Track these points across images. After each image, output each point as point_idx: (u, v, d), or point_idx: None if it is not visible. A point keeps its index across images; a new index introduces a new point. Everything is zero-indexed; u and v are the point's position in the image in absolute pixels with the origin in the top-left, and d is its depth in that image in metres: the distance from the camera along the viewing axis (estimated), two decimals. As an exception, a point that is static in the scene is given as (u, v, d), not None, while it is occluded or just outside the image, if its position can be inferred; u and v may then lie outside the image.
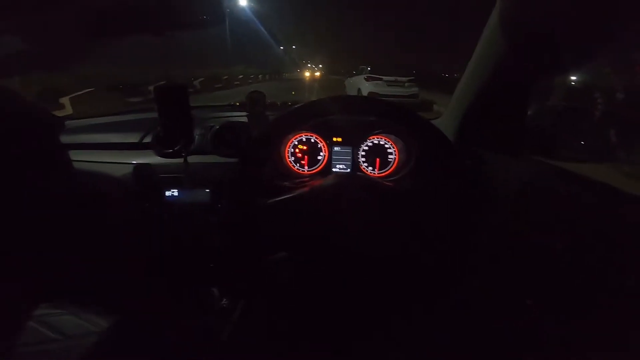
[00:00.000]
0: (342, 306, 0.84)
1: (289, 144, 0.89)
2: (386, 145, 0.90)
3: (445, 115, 0.96)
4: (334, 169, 0.90)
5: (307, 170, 0.90)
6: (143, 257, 0.93)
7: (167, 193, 0.84)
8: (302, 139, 0.89)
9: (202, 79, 11.63)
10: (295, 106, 0.67)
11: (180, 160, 0.84)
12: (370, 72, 7.88)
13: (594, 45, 0.63)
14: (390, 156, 0.90)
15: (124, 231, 0.92)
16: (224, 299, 1.04)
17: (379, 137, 0.89)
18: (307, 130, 0.88)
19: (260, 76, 20.45)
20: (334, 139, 0.89)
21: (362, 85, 7.67)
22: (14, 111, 0.90)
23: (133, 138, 0.95)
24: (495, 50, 0.71)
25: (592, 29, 0.58)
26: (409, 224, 0.67)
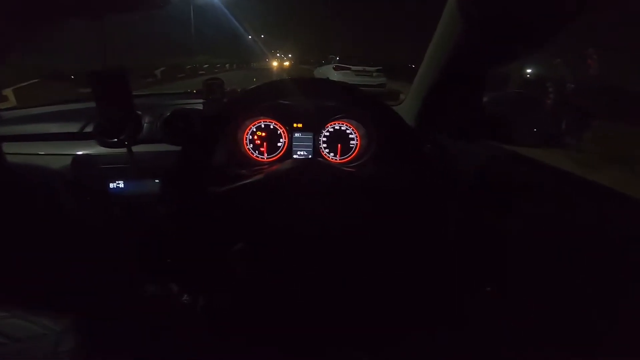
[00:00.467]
0: (306, 297, 0.83)
1: (247, 130, 0.85)
2: (348, 131, 0.88)
3: (406, 102, 0.96)
4: (294, 156, 0.87)
5: (267, 158, 0.86)
6: (89, 254, 0.86)
7: (111, 185, 0.77)
8: (260, 125, 0.85)
9: (164, 68, 11.06)
10: (251, 87, 0.63)
11: (124, 149, 0.77)
12: (339, 61, 7.93)
13: (546, 36, 0.64)
14: (352, 142, 0.89)
15: (64, 227, 0.84)
16: (185, 295, 0.99)
17: (341, 122, 0.87)
18: (266, 116, 0.85)
19: (227, 65, 19.77)
20: (295, 125, 0.85)
21: (331, 74, 7.72)
22: None
23: (73, 128, 0.87)
24: (452, 38, 0.71)
25: (545, 20, 0.59)
26: (370, 209, 0.66)
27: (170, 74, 11.23)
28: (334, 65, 7.91)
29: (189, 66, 13.76)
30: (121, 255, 0.87)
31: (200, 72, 14.09)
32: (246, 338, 0.82)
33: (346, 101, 0.80)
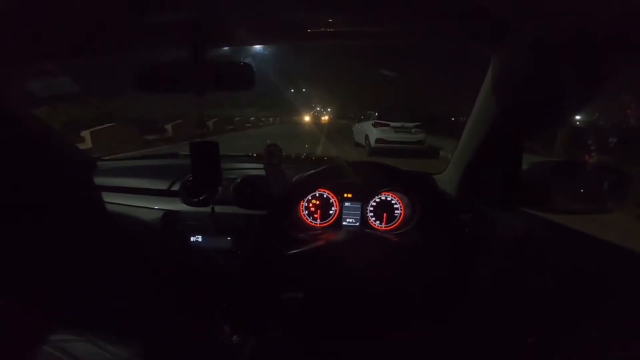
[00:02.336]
0: (352, 341, 0.87)
1: (303, 199, 0.97)
2: (393, 201, 0.97)
3: (448, 169, 1.03)
4: (344, 223, 0.97)
5: (319, 223, 0.97)
6: (163, 295, 0.97)
7: (192, 239, 0.91)
8: (315, 195, 0.97)
9: (216, 120, 12.19)
10: (312, 172, 0.74)
11: (205, 208, 0.92)
12: (377, 117, 8.09)
13: (584, 97, 0.68)
14: (396, 211, 0.97)
15: (148, 270, 0.98)
16: (235, 336, 1.06)
17: (387, 193, 0.97)
18: (321, 187, 0.97)
19: (271, 119, 21.33)
20: (345, 195, 0.97)
21: (370, 131, 7.83)
22: (51, 150, 1.00)
23: (162, 184, 1.04)
24: (490, 110, 0.79)
25: (581, 82, 0.63)
26: (413, 272, 0.73)
27: (220, 125, 12.33)
28: (372, 121, 8.08)
29: (237, 118, 15.04)
30: (191, 298, 0.98)
31: (247, 125, 15.31)
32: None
33: (392, 176, 0.91)
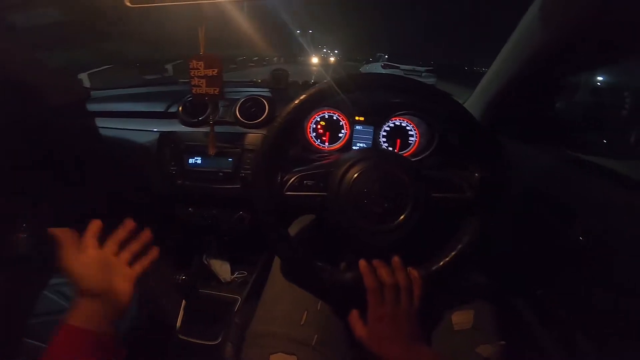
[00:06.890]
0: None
1: (311, 119, 0.90)
2: (407, 127, 0.90)
3: (470, 101, 0.94)
4: (354, 147, 0.90)
5: (327, 147, 0.91)
6: (161, 225, 0.96)
7: (190, 160, 0.86)
8: (324, 116, 0.90)
9: (217, 59, 11.62)
10: (318, 85, 0.60)
11: (204, 129, 0.86)
12: (387, 60, 7.77)
13: (632, 45, 0.61)
14: (410, 138, 0.90)
15: (143, 196, 0.95)
16: (236, 272, 1.08)
17: (401, 118, 0.89)
18: (330, 107, 0.89)
19: (275, 59, 20.26)
20: (357, 118, 0.89)
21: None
22: (44, 82, 0.92)
23: (159, 107, 0.97)
24: (531, 39, 0.69)
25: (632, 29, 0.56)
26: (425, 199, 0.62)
27: (223, 65, 11.79)
28: (382, 63, 7.77)
29: (239, 58, 14.26)
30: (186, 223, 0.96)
31: (250, 64, 14.56)
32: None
33: (411, 98, 0.81)
